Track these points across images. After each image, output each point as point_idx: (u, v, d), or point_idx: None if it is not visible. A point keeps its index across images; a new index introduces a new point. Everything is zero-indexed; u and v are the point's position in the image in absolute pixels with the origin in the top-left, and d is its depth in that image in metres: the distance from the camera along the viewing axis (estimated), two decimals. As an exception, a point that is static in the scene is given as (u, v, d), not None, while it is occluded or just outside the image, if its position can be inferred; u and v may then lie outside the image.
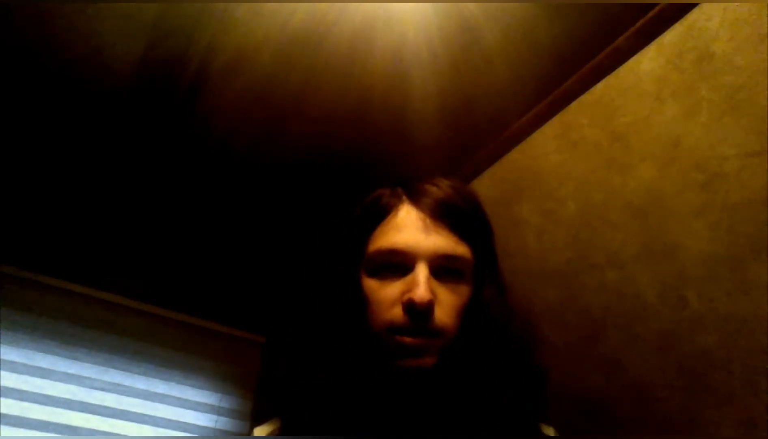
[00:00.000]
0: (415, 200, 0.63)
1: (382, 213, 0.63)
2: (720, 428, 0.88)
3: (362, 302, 0.61)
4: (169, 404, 1.61)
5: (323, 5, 1.12)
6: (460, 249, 0.60)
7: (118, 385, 1.56)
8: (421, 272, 0.57)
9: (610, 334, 1.09)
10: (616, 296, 1.09)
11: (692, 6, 1.02)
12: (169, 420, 1.59)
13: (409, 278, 0.58)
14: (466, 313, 0.60)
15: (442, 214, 0.61)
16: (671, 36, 1.06)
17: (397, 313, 0.57)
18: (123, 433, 1.51)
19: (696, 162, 0.99)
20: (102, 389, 1.53)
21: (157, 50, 1.24)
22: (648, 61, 1.10)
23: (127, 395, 1.56)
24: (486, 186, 1.49)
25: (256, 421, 1.68)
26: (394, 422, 0.59)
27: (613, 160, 1.15)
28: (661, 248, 1.02)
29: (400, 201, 0.64)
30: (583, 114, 1.23)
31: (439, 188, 0.64)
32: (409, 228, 0.60)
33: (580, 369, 1.12)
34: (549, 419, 0.68)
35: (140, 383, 1.59)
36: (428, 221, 0.60)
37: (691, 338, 0.95)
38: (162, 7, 1.14)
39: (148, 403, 1.58)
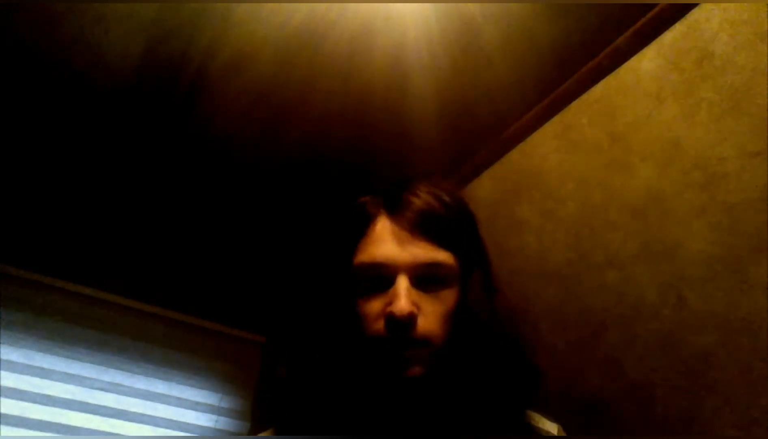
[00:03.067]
0: (393, 212, 0.63)
1: (362, 226, 0.64)
2: (720, 428, 0.88)
3: (351, 316, 0.61)
4: (169, 404, 1.61)
5: (323, 5, 1.12)
6: (441, 256, 0.60)
7: (118, 385, 1.56)
8: (401, 284, 0.58)
9: (610, 334, 1.09)
10: (616, 296, 1.09)
11: (692, 6, 1.02)
12: (169, 420, 1.59)
13: (390, 291, 0.59)
14: (455, 317, 0.61)
15: (420, 225, 0.61)
16: (671, 36, 1.06)
17: (380, 326, 0.58)
18: (123, 433, 1.51)
19: (696, 162, 0.99)
20: (102, 389, 1.53)
21: (157, 50, 1.24)
22: (648, 61, 1.10)
23: (127, 395, 1.56)
24: (486, 186, 1.49)
25: (256, 421, 1.69)
26: (389, 428, 0.59)
27: (613, 160, 1.15)
28: (661, 248, 1.02)
29: (378, 213, 0.64)
30: (583, 114, 1.23)
31: (419, 198, 0.64)
32: (385, 242, 0.61)
33: (580, 369, 1.12)
34: (551, 415, 0.69)
35: (140, 383, 1.59)
36: (403, 232, 0.61)
37: (691, 338, 0.95)
38: (162, 7, 1.14)
39: (148, 403, 1.58)
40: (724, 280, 0.91)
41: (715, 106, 0.97)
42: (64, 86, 1.34)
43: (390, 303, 0.57)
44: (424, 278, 0.60)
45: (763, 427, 0.82)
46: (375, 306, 0.59)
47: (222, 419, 1.67)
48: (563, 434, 0.68)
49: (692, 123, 1.00)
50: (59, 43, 1.23)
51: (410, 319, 0.56)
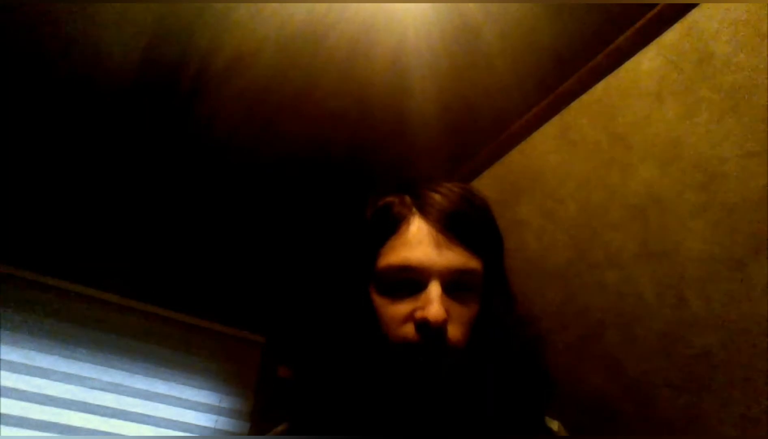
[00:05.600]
0: (425, 212, 0.61)
1: (391, 226, 0.62)
2: (720, 428, 0.88)
3: (372, 317, 0.60)
4: (169, 404, 1.61)
5: (323, 5, 1.12)
6: (472, 264, 0.59)
7: (118, 385, 1.56)
8: (435, 289, 0.57)
9: (610, 334, 1.09)
10: (616, 296, 1.09)
11: (692, 6, 1.02)
12: (169, 420, 1.59)
13: (422, 295, 0.57)
14: (475, 324, 0.60)
15: (453, 228, 0.60)
16: (671, 36, 1.06)
17: (409, 330, 0.57)
18: (123, 433, 1.51)
19: (696, 162, 0.99)
20: (102, 389, 1.53)
21: (157, 51, 1.24)
22: (648, 61, 1.10)
23: (127, 395, 1.56)
24: (486, 186, 1.49)
25: (256, 421, 1.68)
26: (408, 430, 0.59)
27: (613, 160, 1.15)
28: (661, 248, 1.02)
29: (410, 213, 0.62)
30: (583, 114, 1.23)
31: (447, 197, 0.62)
32: (421, 244, 0.59)
33: (580, 369, 1.12)
34: (554, 413, 0.69)
35: (140, 383, 1.59)
36: (440, 236, 0.59)
37: (691, 338, 0.95)
38: (162, 8, 1.14)
39: (148, 403, 1.58)
40: (724, 280, 0.91)
41: (715, 106, 0.97)
42: (64, 87, 1.34)
43: (421, 308, 0.56)
44: (455, 284, 0.59)
45: (763, 427, 0.82)
46: (402, 310, 0.58)
47: (222, 419, 1.67)
48: (563, 430, 0.68)
49: (692, 123, 1.00)
50: (59, 44, 1.23)
51: (443, 325, 0.55)
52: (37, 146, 1.53)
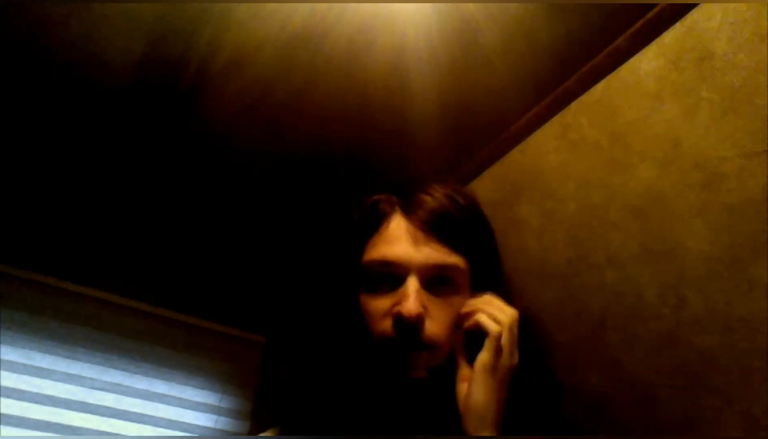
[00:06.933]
0: (408, 211, 0.62)
1: (375, 223, 0.63)
2: (720, 428, 0.88)
3: (358, 314, 0.61)
4: (169, 404, 1.61)
5: (323, 5, 1.12)
6: (452, 260, 0.60)
7: (118, 385, 1.56)
8: (411, 284, 0.57)
9: (610, 334, 1.09)
10: (616, 296, 1.09)
11: (692, 6, 1.02)
12: (169, 420, 1.59)
13: (399, 290, 0.58)
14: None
15: (434, 226, 0.61)
16: (671, 36, 1.06)
17: (387, 325, 0.57)
18: (123, 433, 1.51)
19: (696, 162, 0.99)
20: (102, 389, 1.53)
21: (157, 50, 1.24)
22: (648, 61, 1.10)
23: (127, 395, 1.56)
24: (486, 186, 1.49)
25: (256, 421, 1.68)
26: (390, 429, 0.59)
27: (613, 160, 1.15)
28: (661, 248, 1.02)
29: (393, 211, 0.63)
30: (583, 114, 1.23)
31: (433, 198, 0.63)
32: (399, 240, 0.60)
33: (579, 369, 1.12)
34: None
35: (140, 383, 1.59)
36: (419, 233, 0.60)
37: (691, 338, 0.95)
38: (162, 7, 1.14)
39: (148, 403, 1.58)
40: (724, 280, 0.91)
41: (715, 106, 0.97)
42: (64, 86, 1.34)
43: (398, 303, 0.57)
44: (435, 280, 0.59)
45: (763, 427, 0.82)
46: (382, 305, 0.59)
47: (222, 419, 1.67)
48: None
49: (692, 123, 1.00)
50: (59, 43, 1.23)
51: (418, 320, 0.55)
52: (37, 146, 1.53)
